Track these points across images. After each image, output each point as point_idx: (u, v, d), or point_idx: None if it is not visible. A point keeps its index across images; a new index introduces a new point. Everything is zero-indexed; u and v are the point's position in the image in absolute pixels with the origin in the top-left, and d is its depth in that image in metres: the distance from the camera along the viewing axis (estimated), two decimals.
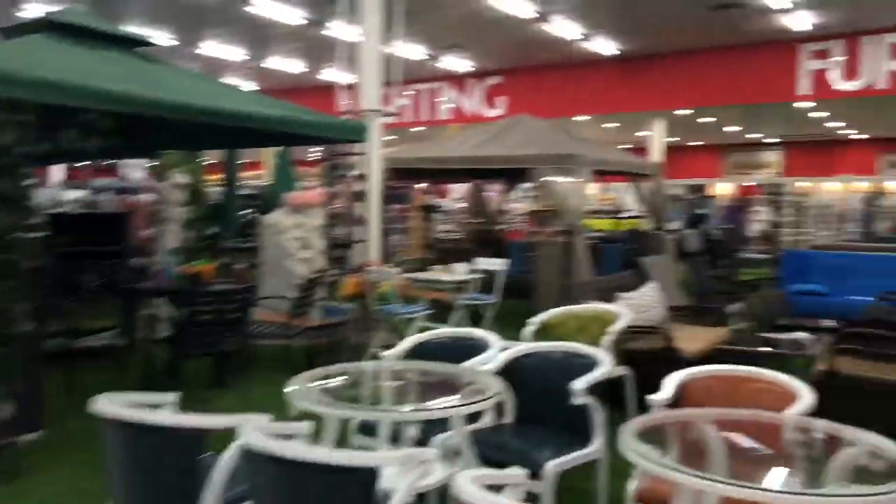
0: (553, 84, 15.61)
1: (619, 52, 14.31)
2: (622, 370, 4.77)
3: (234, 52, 15.22)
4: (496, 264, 8.61)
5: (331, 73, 15.57)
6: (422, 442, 3.50)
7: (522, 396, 3.86)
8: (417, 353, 4.12)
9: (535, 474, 3.26)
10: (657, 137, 17.03)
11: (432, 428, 3.53)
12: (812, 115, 18.84)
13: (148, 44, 6.32)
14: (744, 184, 25.05)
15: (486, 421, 3.82)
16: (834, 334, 6.37)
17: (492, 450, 3.52)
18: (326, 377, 3.46)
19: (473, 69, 16.24)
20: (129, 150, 9.10)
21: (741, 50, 13.48)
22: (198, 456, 2.69)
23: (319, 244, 8.06)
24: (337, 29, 11.13)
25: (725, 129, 22.65)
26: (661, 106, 15.48)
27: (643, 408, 4.70)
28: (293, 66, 16.41)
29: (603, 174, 10.71)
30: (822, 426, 2.82)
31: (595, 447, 3.61)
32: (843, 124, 21.55)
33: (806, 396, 3.18)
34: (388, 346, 7.13)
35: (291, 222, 8.23)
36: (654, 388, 5.26)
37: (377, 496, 2.23)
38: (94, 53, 5.55)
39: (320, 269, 7.57)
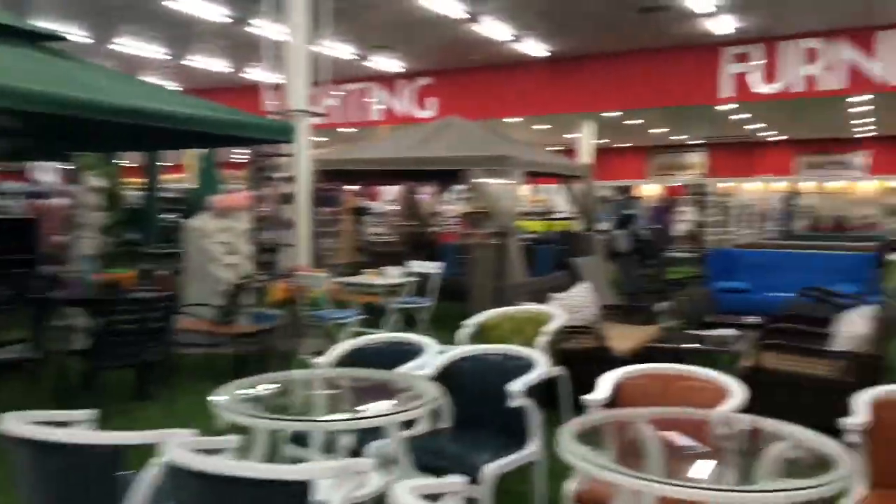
0: (484, 85, 15.66)
1: (548, 54, 14.45)
2: (557, 370, 4.75)
3: (153, 50, 14.71)
4: (430, 267, 8.54)
5: (256, 73, 15.23)
6: (357, 450, 3.39)
7: (459, 400, 3.79)
8: (351, 359, 4.00)
9: (473, 479, 3.19)
10: (586, 139, 17.29)
11: (367, 436, 3.42)
12: (734, 117, 19.47)
13: (56, 38, 5.99)
14: (669, 185, 25.73)
15: (423, 427, 3.73)
16: (758, 330, 6.54)
17: (429, 456, 3.44)
18: (255, 386, 3.31)
19: (404, 70, 16.15)
20: (40, 151, 8.65)
21: (667, 53, 13.81)
22: (116, 474, 2.52)
23: (246, 249, 7.82)
24: (262, 27, 10.88)
25: (651, 131, 23.21)
26: (590, 108, 15.72)
27: (578, 408, 4.70)
28: (216, 64, 15.99)
29: (535, 176, 10.78)
30: (753, 422, 2.84)
31: (532, 449, 3.57)
32: (763, 126, 22.36)
33: (737, 393, 3.21)
34: (319, 353, 6.97)
35: (217, 226, 7.97)
36: (589, 387, 5.27)
37: None
38: None
39: (247, 275, 7.34)
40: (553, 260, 10.88)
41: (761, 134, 23.98)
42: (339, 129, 18.37)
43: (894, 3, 11.12)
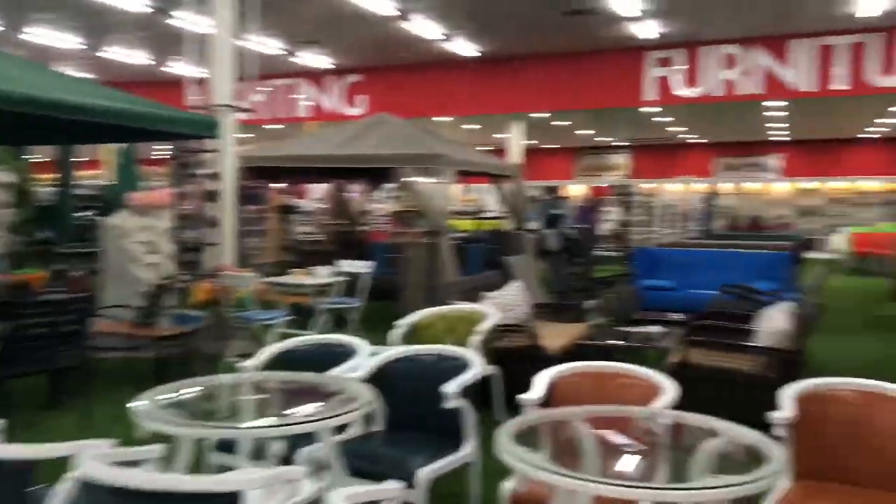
0: (414, 84, 15.58)
1: (478, 54, 14.49)
2: (490, 369, 4.74)
3: (68, 40, 14.03)
4: (360, 267, 8.42)
5: (179, 66, 14.75)
6: (287, 457, 3.27)
7: (393, 402, 3.72)
8: (280, 362, 3.88)
9: (408, 483, 3.13)
10: (515, 140, 17.43)
11: (298, 441, 3.31)
12: (657, 119, 19.97)
13: None
14: (595, 185, 26.24)
15: (355, 430, 3.64)
16: (683, 327, 6.69)
17: (362, 460, 3.35)
18: (179, 392, 3.16)
19: (333, 66, 15.92)
20: None
21: (594, 56, 14.04)
22: (26, 491, 2.35)
23: (168, 248, 7.54)
24: (185, 19, 10.52)
25: (578, 132, 23.60)
26: (519, 109, 15.84)
27: (512, 407, 4.70)
28: (136, 57, 15.39)
29: (466, 175, 10.78)
30: (686, 418, 2.87)
31: (467, 450, 3.52)
32: (685, 129, 23.03)
33: (669, 390, 3.25)
34: (246, 356, 6.77)
35: (136, 225, 7.66)
36: (522, 385, 5.27)
37: None
38: None
39: (169, 275, 7.07)
40: (484, 259, 10.91)
41: (682, 136, 24.71)
42: (265, 126, 17.98)
43: (804, 14, 11.61)
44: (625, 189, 18.74)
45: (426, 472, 3.23)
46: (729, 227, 24.00)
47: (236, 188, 8.25)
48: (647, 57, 13.62)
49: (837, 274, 15.27)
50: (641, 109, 16.64)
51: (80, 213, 9.95)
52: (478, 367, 3.63)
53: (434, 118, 16.86)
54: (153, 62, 15.75)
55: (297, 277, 8.01)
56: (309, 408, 3.08)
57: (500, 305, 6.06)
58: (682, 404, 3.12)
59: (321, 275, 7.99)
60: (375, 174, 11.48)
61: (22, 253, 7.15)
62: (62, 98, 5.18)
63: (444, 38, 13.18)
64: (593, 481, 2.25)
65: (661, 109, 17.37)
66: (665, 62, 13.57)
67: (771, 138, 24.34)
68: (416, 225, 13.85)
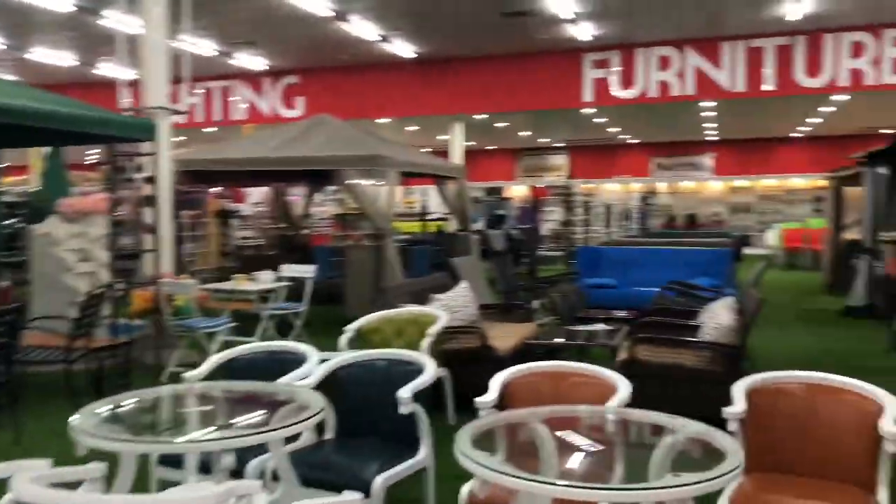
0: (353, 85, 15.43)
1: (416, 56, 14.45)
2: (440, 372, 4.69)
3: None
4: (304, 271, 8.25)
5: (110, 68, 14.27)
6: (238, 470, 3.16)
7: (344, 409, 3.64)
8: (226, 371, 3.75)
9: (364, 491, 3.05)
10: (457, 141, 17.44)
11: (248, 453, 3.20)
12: (596, 120, 20.27)
13: None
14: (536, 185, 26.48)
15: (306, 439, 3.54)
16: (628, 324, 6.78)
17: (314, 470, 3.26)
18: (119, 405, 3.01)
19: (269, 68, 15.65)
20: None
21: (534, 57, 14.15)
22: None
23: (102, 256, 7.26)
24: (115, 19, 10.20)
25: (519, 133, 23.76)
26: (459, 110, 15.85)
27: (463, 409, 4.66)
28: (64, 58, 14.82)
29: (409, 176, 10.72)
30: (643, 416, 2.88)
31: (423, 455, 3.47)
32: (621, 129, 23.43)
33: (623, 387, 3.26)
34: (190, 365, 6.57)
35: (68, 232, 7.35)
36: (471, 387, 5.23)
37: None
38: None
39: (104, 284, 6.80)
40: (429, 260, 10.87)
41: (621, 137, 25.15)
42: (201, 129, 17.55)
43: (734, 17, 11.94)
44: (565, 189, 18.96)
45: (383, 480, 3.16)
46: (666, 226, 24.57)
47: (173, 193, 8.00)
48: (585, 59, 13.80)
49: (771, 269, 15.77)
50: (581, 111, 16.87)
51: (6, 221, 9.49)
52: (431, 370, 3.58)
53: (374, 120, 16.74)
54: (82, 64, 15.21)
55: (239, 283, 7.81)
56: (259, 418, 2.98)
57: (449, 307, 6.02)
58: (632, 401, 3.14)
59: (264, 280, 7.80)
60: (316, 177, 11.32)
61: None
62: None
63: (381, 39, 13.09)
64: (553, 484, 2.23)
65: (597, 111, 17.62)
66: (602, 64, 13.78)
67: (706, 138, 25.00)
68: (359, 227, 13.74)
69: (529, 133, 23.77)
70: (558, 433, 2.66)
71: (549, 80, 14.17)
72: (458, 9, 11.53)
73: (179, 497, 1.99)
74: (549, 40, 13.23)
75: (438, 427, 3.60)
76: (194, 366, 3.81)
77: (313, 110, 14.41)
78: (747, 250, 17.02)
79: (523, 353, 6.01)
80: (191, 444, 2.82)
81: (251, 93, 16.18)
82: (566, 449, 2.55)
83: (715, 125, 21.71)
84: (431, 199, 22.16)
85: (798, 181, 24.88)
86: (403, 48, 13.88)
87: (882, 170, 9.62)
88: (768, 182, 25.42)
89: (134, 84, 8.23)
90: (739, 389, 3.22)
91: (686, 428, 2.69)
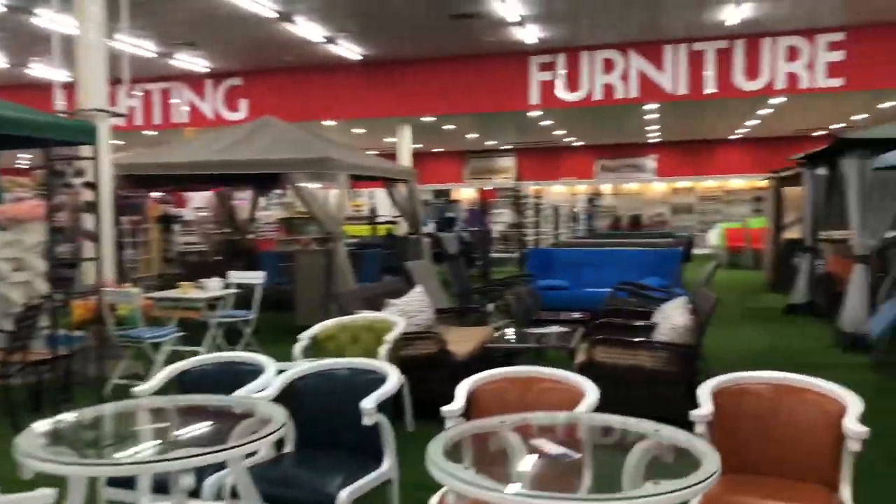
0: (298, 87, 15.18)
1: (362, 57, 14.30)
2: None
3: None
4: (253, 277, 8.04)
5: (44, 69, 13.73)
6: (196, 489, 3.01)
7: (304, 421, 3.52)
8: (179, 384, 3.59)
9: None
10: (404, 144, 17.34)
11: (204, 470, 3.06)
12: (542, 123, 20.41)
13: None
14: (484, 188, 26.54)
15: (264, 453, 3.41)
16: (583, 326, 6.80)
17: (276, 486, 3.15)
18: (65, 423, 2.83)
19: (211, 69, 15.28)
20: None
21: (481, 60, 14.15)
22: None
23: (39, 264, 6.92)
24: (48, 18, 9.83)
25: (467, 136, 23.77)
26: (407, 112, 15.75)
27: (425, 416, 4.57)
28: None
29: (357, 179, 10.57)
30: (614, 421, 2.84)
31: (387, 466, 3.37)
32: (566, 132, 23.65)
33: (591, 393, 3.22)
34: (134, 377, 6.33)
35: (1, 241, 6.98)
36: (430, 393, 5.17)
37: None
38: None
39: (42, 294, 6.49)
40: (379, 265, 10.74)
41: (567, 140, 25.39)
42: (142, 133, 17.03)
43: (676, 21, 12.15)
44: (513, 191, 19.02)
45: (348, 494, 3.06)
46: (611, 227, 24.92)
47: (113, 198, 7.71)
48: (532, 62, 13.87)
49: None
50: (528, 113, 16.96)
51: None
52: (394, 379, 3.49)
53: (319, 121, 16.51)
54: (13, 65, 14.59)
55: (186, 291, 7.55)
56: (218, 434, 2.84)
57: (405, 312, 5.93)
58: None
59: (212, 287, 7.57)
60: (262, 180, 11.08)
61: None
62: None
63: (327, 40, 12.91)
64: (535, 497, 2.16)
65: (544, 113, 17.74)
66: (548, 67, 13.86)
67: (649, 140, 25.44)
68: (306, 232, 13.51)
69: (477, 135, 23.81)
70: (532, 441, 2.60)
71: (496, 82, 14.19)
72: (406, 11, 11.44)
73: None
74: (496, 43, 13.25)
75: (398, 435, 3.51)
76: (139, 377, 3.65)
77: (257, 112, 14.12)
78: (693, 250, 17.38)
79: (481, 357, 5.97)
80: (145, 466, 2.66)
81: (193, 95, 15.78)
82: (541, 458, 2.50)
83: (657, 127, 22.11)
84: (379, 201, 22.01)
85: (737, 182, 25.53)
86: (350, 50, 13.72)
87: (821, 171, 9.90)
88: (709, 183, 26.02)
89: (68, 86, 7.90)
90: (705, 391, 3.22)
91: (659, 433, 2.67)
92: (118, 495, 3.18)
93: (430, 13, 11.48)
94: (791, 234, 13.00)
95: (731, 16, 11.52)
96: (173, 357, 6.56)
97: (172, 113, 15.92)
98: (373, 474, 3.27)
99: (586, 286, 9.54)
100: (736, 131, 23.79)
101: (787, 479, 3.12)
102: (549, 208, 20.81)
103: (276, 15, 11.25)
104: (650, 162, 26.47)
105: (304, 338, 4.99)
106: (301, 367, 3.66)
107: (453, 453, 2.48)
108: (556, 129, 22.23)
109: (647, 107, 17.03)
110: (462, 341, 5.92)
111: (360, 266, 9.78)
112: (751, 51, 12.82)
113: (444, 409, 3.14)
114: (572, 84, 13.83)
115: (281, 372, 3.64)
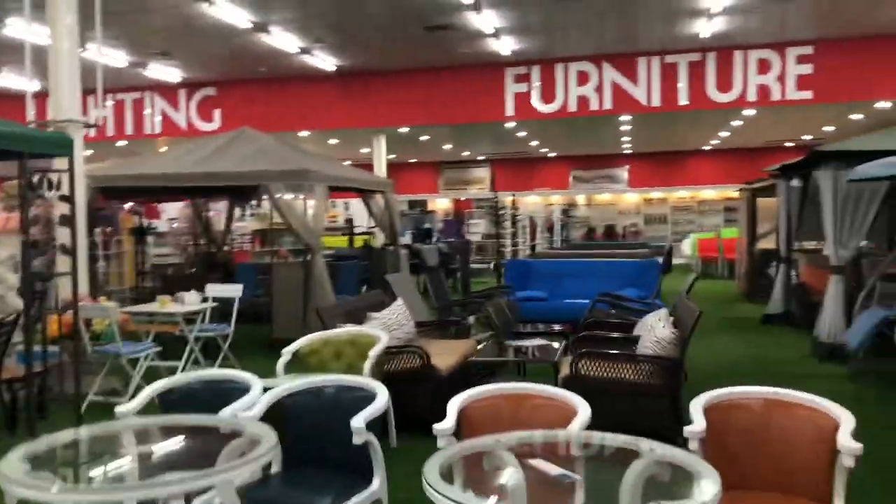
0: (272, 98, 15.08)
1: (337, 68, 14.24)
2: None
3: None
4: (230, 290, 7.92)
5: (11, 79, 13.48)
6: None
7: (292, 439, 3.45)
8: (163, 403, 3.50)
9: None
10: (380, 154, 17.28)
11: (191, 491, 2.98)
12: (518, 134, 20.48)
13: None
14: (460, 199, 26.53)
15: (251, 474, 3.33)
16: (565, 338, 6.80)
17: None
18: (48, 446, 2.74)
19: (184, 79, 15.11)
20: None
21: (456, 71, 14.17)
22: None
23: (12, 279, 6.76)
24: (18, 28, 9.67)
25: (443, 146, 23.77)
26: (382, 123, 15.71)
27: (409, 431, 4.51)
28: None
29: (334, 190, 10.50)
30: (610, 440, 2.82)
31: (377, 486, 3.32)
32: (541, 143, 23.77)
33: (583, 410, 3.19)
34: (113, 393, 6.19)
35: None
36: (413, 407, 5.14)
37: None
38: None
39: (15, 309, 6.33)
40: (357, 276, 10.66)
41: (543, 151, 25.50)
42: (113, 144, 16.78)
43: (649, 34, 12.28)
44: (489, 202, 19.03)
45: None
46: (585, 237, 25.06)
47: (86, 210, 7.56)
48: (507, 73, 13.93)
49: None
50: (504, 125, 17.01)
51: None
52: (384, 397, 3.44)
53: (294, 132, 16.40)
54: None
55: (163, 305, 7.41)
56: (204, 455, 2.77)
57: (386, 326, 5.89)
58: None
59: (190, 301, 7.43)
60: (237, 192, 10.96)
61: None
62: None
63: (302, 51, 12.84)
64: None
65: (516, 125, 17.80)
66: (523, 78, 13.92)
67: (622, 151, 25.66)
68: (282, 243, 13.38)
69: (452, 146, 23.84)
70: (530, 461, 2.57)
71: (471, 93, 14.22)
72: (381, 22, 11.42)
73: None
74: (472, 55, 13.28)
75: (383, 451, 3.46)
76: (116, 393, 3.55)
77: (231, 123, 14.00)
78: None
79: (464, 371, 5.93)
80: (133, 493, 2.59)
81: (166, 105, 15.60)
82: (540, 479, 2.47)
83: (630, 138, 22.31)
84: (355, 212, 21.89)
85: (710, 192, 25.83)
86: (325, 61, 13.66)
87: (795, 182, 10.04)
88: (681, 193, 26.29)
89: (38, 96, 7.76)
90: (697, 407, 3.22)
91: (654, 452, 2.65)
92: None
93: (405, 25, 11.48)
94: (765, 244, 13.15)
95: (704, 29, 11.67)
96: (150, 373, 6.44)
97: (145, 123, 15.72)
98: (362, 494, 3.22)
99: (565, 297, 9.55)
100: (708, 142, 24.10)
101: (779, 494, 3.13)
102: (526, 219, 20.86)
103: (251, 25, 11.17)
104: (623, 173, 26.69)
105: (287, 353, 4.92)
106: (288, 384, 3.60)
107: (445, 474, 2.44)
108: (531, 140, 22.34)
109: (621, 118, 17.18)
110: (444, 355, 5.88)
111: (338, 278, 9.70)
112: (723, 63, 12.99)
113: (437, 427, 3.09)
114: (547, 96, 13.91)
115: (267, 390, 3.58)
